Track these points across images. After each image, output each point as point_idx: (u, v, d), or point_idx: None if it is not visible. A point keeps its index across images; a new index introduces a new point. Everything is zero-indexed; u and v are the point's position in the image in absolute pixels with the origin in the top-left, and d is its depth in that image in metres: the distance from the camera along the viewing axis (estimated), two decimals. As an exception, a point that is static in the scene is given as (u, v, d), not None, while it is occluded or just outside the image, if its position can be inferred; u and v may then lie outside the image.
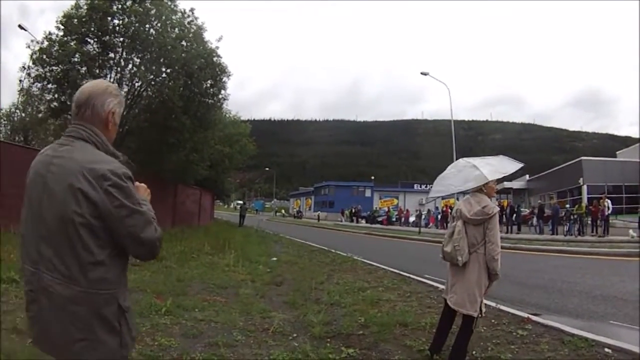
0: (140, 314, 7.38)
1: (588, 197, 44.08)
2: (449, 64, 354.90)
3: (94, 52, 19.76)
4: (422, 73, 44.02)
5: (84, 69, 19.29)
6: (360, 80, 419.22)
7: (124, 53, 20.59)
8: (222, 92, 24.32)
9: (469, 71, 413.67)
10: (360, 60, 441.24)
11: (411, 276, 13.09)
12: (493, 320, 7.94)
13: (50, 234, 2.37)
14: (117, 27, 20.00)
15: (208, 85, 22.89)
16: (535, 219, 38.74)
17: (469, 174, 6.05)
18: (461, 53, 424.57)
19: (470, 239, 5.67)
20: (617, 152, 61.58)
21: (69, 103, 19.50)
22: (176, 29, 21.34)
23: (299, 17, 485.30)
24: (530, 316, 8.18)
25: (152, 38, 20.02)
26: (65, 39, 19.10)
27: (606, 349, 6.34)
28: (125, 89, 21.33)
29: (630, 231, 26.90)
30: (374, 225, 58.12)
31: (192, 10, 22.27)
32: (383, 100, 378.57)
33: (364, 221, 66.96)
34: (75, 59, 19.09)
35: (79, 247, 2.31)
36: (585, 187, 48.96)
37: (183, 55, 20.50)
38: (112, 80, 20.48)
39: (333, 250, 19.59)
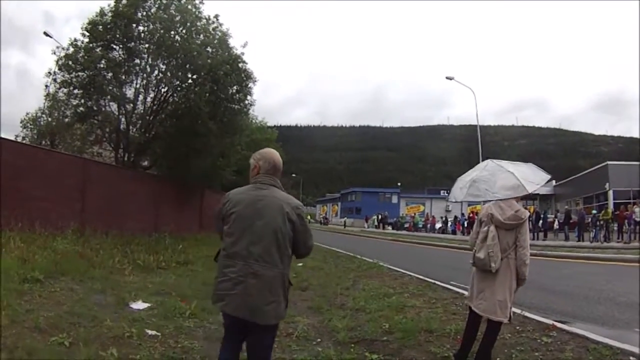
0: (164, 317, 7.49)
1: (614, 202, 43.57)
2: (474, 68, 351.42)
3: (120, 58, 19.96)
4: (447, 77, 43.90)
5: (110, 74, 19.52)
6: (385, 85, 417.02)
7: (150, 59, 20.76)
8: (248, 97, 24.25)
9: (494, 75, 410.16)
10: (385, 65, 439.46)
11: (437, 282, 12.90)
12: (518, 327, 7.80)
13: (260, 239, 3.87)
14: (143, 34, 20.23)
15: (234, 90, 22.81)
16: (557, 224, 38.52)
17: (507, 182, 5.82)
18: (486, 57, 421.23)
19: (502, 244, 5.55)
20: None
21: (95, 108, 19.78)
22: (201, 35, 21.44)
23: (324, 23, 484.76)
24: (555, 323, 8.02)
25: (177, 44, 20.12)
26: (91, 45, 19.32)
27: (631, 357, 6.20)
28: (152, 95, 21.62)
29: None
30: (400, 232, 58.05)
31: (216, 16, 22.36)
32: (409, 105, 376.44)
33: (390, 227, 66.82)
34: (101, 65, 19.27)
35: (282, 247, 3.91)
36: (611, 192, 48.10)
37: (209, 61, 20.56)
38: (138, 85, 20.96)
39: (359, 256, 19.48)
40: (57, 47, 19.92)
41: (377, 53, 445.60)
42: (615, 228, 32.39)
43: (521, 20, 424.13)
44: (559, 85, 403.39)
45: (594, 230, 32.90)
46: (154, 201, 21.13)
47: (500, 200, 5.73)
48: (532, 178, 5.96)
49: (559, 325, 7.93)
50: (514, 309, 6.49)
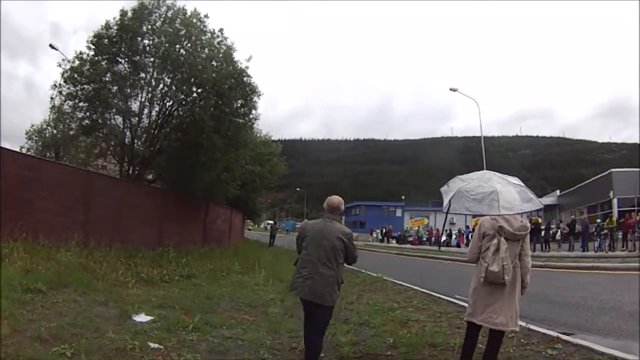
0: (167, 330, 7.48)
1: (619, 210, 43.37)
2: (478, 80, 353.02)
3: (125, 71, 20.08)
4: (451, 89, 43.84)
5: (115, 88, 19.61)
6: (390, 98, 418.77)
7: (155, 73, 20.82)
8: (253, 111, 24.38)
9: (498, 86, 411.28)
10: (389, 77, 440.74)
11: (441, 296, 12.89)
12: (522, 340, 7.84)
13: (325, 252, 6.03)
14: (148, 48, 20.32)
15: (239, 105, 22.91)
16: (560, 235, 38.50)
17: (525, 195, 6.11)
18: (490, 68, 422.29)
19: (511, 255, 5.62)
20: None
21: (100, 121, 19.81)
22: (206, 49, 21.49)
23: (330, 36, 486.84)
24: (560, 335, 8.04)
25: (182, 58, 20.19)
26: (96, 58, 19.39)
27: None
28: (157, 109, 21.62)
29: None
30: (404, 246, 57.97)
31: (221, 30, 22.46)
32: (413, 118, 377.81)
33: (394, 241, 66.64)
34: (107, 78, 19.37)
35: (337, 257, 6.06)
36: (615, 200, 47.83)
37: (213, 75, 20.52)
38: (143, 99, 21.01)
39: (363, 271, 19.40)
40: (63, 60, 19.99)
41: (382, 65, 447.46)
42: (620, 236, 32.17)
43: (526, 30, 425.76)
44: (563, 94, 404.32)
45: (599, 240, 32.69)
46: (158, 215, 21.12)
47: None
48: (532, 195, 6.25)
49: (563, 337, 7.93)
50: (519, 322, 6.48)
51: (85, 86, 19.17)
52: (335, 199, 6.52)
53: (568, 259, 26.97)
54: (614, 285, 15.48)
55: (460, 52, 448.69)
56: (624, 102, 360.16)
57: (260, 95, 24.14)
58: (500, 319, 5.57)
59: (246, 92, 22.81)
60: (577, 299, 12.95)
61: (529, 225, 5.84)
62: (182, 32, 20.63)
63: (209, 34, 21.96)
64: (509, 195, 5.98)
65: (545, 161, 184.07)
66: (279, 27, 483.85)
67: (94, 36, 19.57)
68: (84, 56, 19.44)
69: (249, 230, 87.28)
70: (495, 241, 5.66)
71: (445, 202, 6.65)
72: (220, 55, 21.88)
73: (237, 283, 14.30)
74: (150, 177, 24.46)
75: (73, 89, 19.29)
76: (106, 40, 19.50)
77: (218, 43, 22.23)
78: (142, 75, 20.79)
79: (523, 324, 8.19)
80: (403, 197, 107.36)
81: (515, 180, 6.49)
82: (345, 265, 6.47)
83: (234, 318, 9.13)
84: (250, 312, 10.09)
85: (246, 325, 8.63)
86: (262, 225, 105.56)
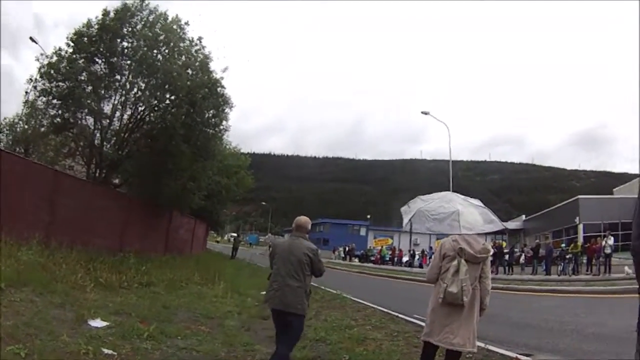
0: (122, 336, 7.44)
1: (584, 236, 44.39)
2: (450, 105, 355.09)
3: (101, 72, 19.95)
4: (422, 112, 44.29)
5: (90, 88, 19.42)
6: (362, 119, 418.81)
7: (130, 76, 20.68)
8: (224, 122, 24.35)
9: (471, 112, 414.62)
10: (361, 99, 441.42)
11: (400, 315, 12.86)
12: None
13: (293, 266, 6.59)
14: (126, 50, 20.21)
15: (210, 115, 22.87)
16: (524, 259, 39.13)
17: (486, 216, 6.31)
18: (463, 94, 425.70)
19: (470, 277, 5.68)
20: (614, 189, 61.92)
21: (71, 120, 19.58)
22: (183, 57, 21.42)
23: (305, 55, 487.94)
24: (519, 356, 8.18)
25: (159, 64, 20.13)
26: (74, 56, 19.28)
27: None
28: (129, 112, 21.53)
29: (626, 268, 26.78)
30: (366, 264, 58.40)
31: (200, 38, 22.44)
32: (383, 139, 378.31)
33: (357, 260, 66.91)
34: (82, 77, 19.24)
35: (304, 270, 6.62)
36: (581, 226, 49.14)
37: (188, 83, 20.44)
38: (116, 102, 20.89)
39: (323, 287, 19.37)
40: (41, 54, 19.85)
41: (355, 86, 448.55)
42: (585, 261, 33.12)
43: (499, 57, 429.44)
44: (535, 122, 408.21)
45: (562, 264, 33.59)
46: (122, 220, 20.85)
47: (467, 234, 5.93)
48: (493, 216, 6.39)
49: (522, 358, 8.09)
50: (477, 343, 6.54)
51: (61, 83, 19.00)
52: (302, 218, 7.22)
53: (531, 282, 27.56)
54: (577, 307, 15.74)
55: (433, 77, 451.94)
56: (595, 131, 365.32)
57: (232, 107, 24.34)
58: (458, 339, 5.61)
59: (219, 102, 22.86)
60: (539, 321, 13.15)
61: (490, 248, 5.92)
62: (162, 37, 20.65)
63: (187, 42, 21.98)
64: (470, 216, 6.17)
65: (512, 186, 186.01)
66: (256, 40, 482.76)
67: (75, 33, 19.47)
68: (63, 53, 19.31)
69: (218, 242, 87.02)
70: (455, 262, 5.71)
71: (405, 221, 6.90)
72: (197, 63, 21.86)
73: (195, 294, 14.25)
74: (116, 181, 24.14)
75: (48, 85, 19.09)
76: (86, 38, 19.42)
77: (195, 51, 22.23)
78: (118, 77, 20.67)
79: (482, 344, 8.32)
80: (368, 217, 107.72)
81: (476, 202, 6.71)
82: (314, 277, 7.07)
83: (189, 329, 9.10)
84: (207, 323, 10.07)
85: (202, 336, 8.61)
86: (225, 237, 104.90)
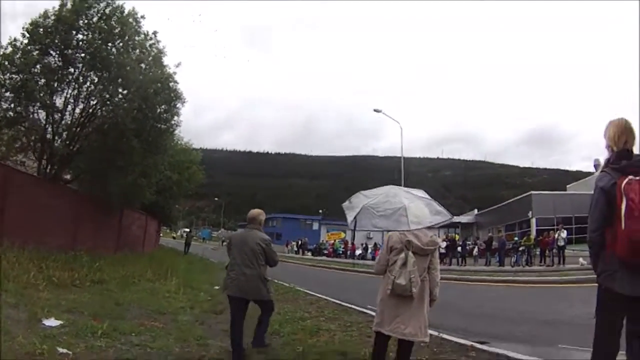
0: (76, 335, 7.39)
1: (537, 229, 45.50)
2: (404, 104, 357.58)
3: (55, 64, 19.40)
4: (375, 110, 44.47)
5: (43, 81, 18.90)
6: (316, 115, 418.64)
7: (84, 69, 20.14)
8: (175, 118, 24.07)
9: (424, 110, 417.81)
10: (315, 95, 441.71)
11: (353, 307, 13.09)
12: (435, 349, 7.96)
13: (247, 255, 7.34)
14: (81, 43, 19.67)
15: (162, 110, 22.61)
16: (477, 251, 39.83)
17: (432, 208, 6.21)
18: (417, 92, 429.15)
19: (419, 269, 5.66)
20: (568, 186, 63.75)
21: (23, 114, 19.09)
22: (137, 51, 21.18)
23: (260, 50, 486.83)
24: (474, 344, 8.25)
25: (112, 57, 19.70)
26: (29, 47, 18.76)
27: None
28: (81, 106, 21.01)
29: (580, 259, 27.54)
30: (319, 258, 58.87)
31: (155, 33, 22.14)
32: (337, 135, 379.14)
33: (310, 254, 67.33)
34: (36, 70, 18.73)
35: (258, 259, 7.37)
36: (534, 220, 50.46)
37: (140, 77, 20.25)
38: (68, 95, 20.34)
39: (276, 280, 19.35)
40: None
41: (308, 82, 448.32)
42: (538, 253, 34.24)
43: (452, 57, 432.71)
44: (488, 120, 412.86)
45: (515, 255, 34.77)
46: (73, 217, 20.43)
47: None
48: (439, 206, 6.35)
49: (478, 345, 8.15)
50: (431, 331, 6.65)
51: (14, 76, 18.44)
52: (255, 211, 7.91)
53: (484, 273, 28.33)
54: (531, 297, 16.14)
55: (388, 75, 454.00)
56: (548, 130, 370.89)
57: (184, 102, 24.01)
58: (409, 329, 5.63)
59: (171, 97, 22.62)
60: (494, 310, 13.50)
61: (438, 240, 6.00)
62: (117, 31, 20.17)
63: (142, 36, 21.65)
64: (417, 209, 6.07)
65: (465, 182, 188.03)
66: (211, 35, 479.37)
67: (30, 24, 18.92)
68: (17, 44, 18.75)
69: (174, 238, 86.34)
70: (402, 255, 5.69)
71: (350, 218, 6.65)
72: (150, 58, 21.65)
73: (148, 290, 14.23)
74: (68, 177, 23.69)
75: (1, 76, 18.47)
76: (41, 29, 18.84)
77: (150, 46, 21.97)
78: (71, 70, 20.05)
79: (435, 333, 8.34)
80: (320, 211, 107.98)
81: (421, 193, 6.64)
82: (269, 268, 7.74)
83: (143, 325, 9.07)
84: (160, 319, 10.07)
85: (155, 332, 8.60)
86: (178, 233, 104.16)
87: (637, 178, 4.09)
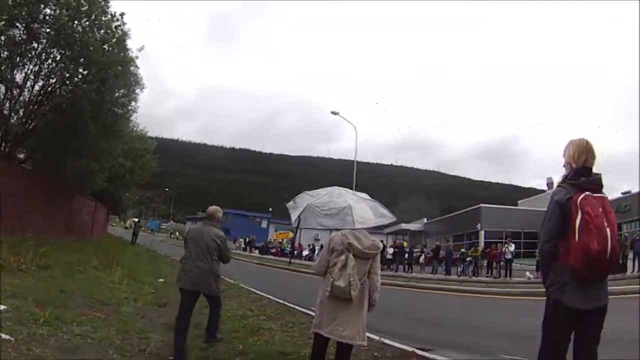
0: (18, 321, 7.30)
1: (485, 241, 46.66)
2: (361, 108, 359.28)
3: (19, 38, 18.72)
4: (332, 112, 44.93)
5: (6, 53, 18.37)
6: (274, 113, 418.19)
7: (47, 46, 19.54)
8: (133, 103, 23.98)
9: (381, 117, 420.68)
10: (273, 92, 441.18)
11: (295, 307, 13.19)
12: (376, 354, 8.02)
13: (202, 250, 7.75)
14: (47, 17, 18.92)
15: (120, 94, 22.41)
16: (424, 259, 40.37)
17: (377, 210, 6.31)
18: (374, 97, 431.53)
19: (359, 272, 5.62)
20: (519, 201, 65.44)
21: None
22: (102, 31, 20.45)
23: (222, 44, 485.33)
24: (416, 350, 8.24)
25: (77, 35, 19.14)
26: (-4, 18, 18.09)
27: None
28: (40, 84, 20.50)
29: (527, 273, 28.48)
30: (266, 256, 59.00)
31: (122, 14, 21.39)
32: (293, 134, 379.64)
33: (257, 251, 67.45)
34: (0, 41, 18.22)
35: (212, 254, 7.83)
36: (482, 232, 51.41)
37: (103, 59, 19.71)
38: (29, 71, 19.81)
39: (221, 277, 19.47)
40: None
41: (267, 79, 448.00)
42: (485, 264, 35.08)
43: (411, 64, 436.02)
44: (444, 132, 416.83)
45: (463, 265, 35.60)
46: (24, 199, 19.94)
47: (354, 229, 5.90)
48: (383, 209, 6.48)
49: (419, 352, 8.16)
50: (371, 336, 6.68)
51: None
52: (213, 208, 8.44)
53: (431, 281, 28.47)
54: (476, 307, 16.28)
55: (344, 80, 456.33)
56: (502, 146, 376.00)
57: (143, 88, 23.94)
58: (347, 332, 5.59)
59: (130, 82, 22.47)
60: (438, 318, 13.64)
61: (380, 245, 5.92)
62: (84, 8, 19.48)
63: (109, 16, 20.91)
64: (362, 210, 6.16)
65: (417, 191, 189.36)
66: (175, 22, 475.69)
67: None
68: None
69: (126, 228, 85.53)
70: (343, 257, 5.65)
71: (294, 217, 6.80)
72: (114, 40, 20.96)
73: (93, 279, 14.03)
74: (22, 156, 22.99)
75: None
76: (10, 0, 18.18)
77: (115, 27, 21.17)
78: (35, 45, 19.38)
79: (376, 337, 8.56)
80: (270, 209, 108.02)
81: (365, 195, 6.76)
82: (222, 263, 8.30)
83: (85, 315, 8.98)
84: (103, 309, 9.98)
85: (97, 323, 8.53)
86: (128, 223, 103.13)
87: (595, 195, 4.27)
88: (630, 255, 26.14)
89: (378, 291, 5.83)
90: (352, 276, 5.50)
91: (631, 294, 15.76)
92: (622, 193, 43.35)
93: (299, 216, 6.75)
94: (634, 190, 43.16)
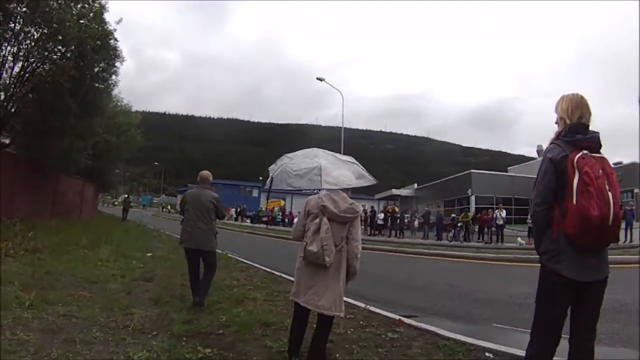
0: (4, 307, 7.30)
1: (476, 207, 47.41)
2: (350, 75, 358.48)
3: None
4: (318, 79, 44.64)
5: None
6: (261, 81, 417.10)
7: (24, 25, 19.11)
8: (114, 77, 23.93)
9: (369, 83, 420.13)
10: (260, 60, 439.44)
11: (283, 275, 13.17)
12: (361, 322, 7.97)
13: (201, 211, 8.95)
14: None
15: (100, 68, 22.24)
16: (417, 224, 40.54)
17: (357, 172, 6.02)
18: (362, 65, 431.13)
19: (335, 237, 5.38)
20: (509, 168, 66.34)
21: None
22: (79, 5, 20.19)
23: (207, 12, 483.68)
24: (402, 318, 8.18)
25: (54, 12, 18.57)
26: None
27: (487, 354, 6.38)
28: (19, 65, 20.27)
29: (519, 239, 28.70)
30: (257, 225, 59.07)
31: None
32: (280, 103, 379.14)
33: (248, 220, 68.02)
34: None
35: (210, 215, 9.07)
36: (473, 198, 52.27)
37: (79, 34, 19.40)
38: (7, 53, 19.63)
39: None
40: None
41: (253, 46, 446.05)
42: (476, 230, 35.53)
43: (399, 31, 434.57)
44: (434, 97, 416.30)
45: (453, 231, 35.91)
46: (9, 183, 19.97)
47: (330, 192, 5.61)
48: (362, 170, 6.23)
49: (406, 320, 8.11)
50: (357, 303, 6.71)
51: None
52: (205, 172, 9.52)
53: (421, 246, 28.52)
54: (466, 272, 16.36)
55: (334, 45, 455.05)
56: (493, 112, 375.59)
57: (123, 61, 23.70)
58: (323, 302, 5.37)
59: (109, 56, 22.29)
60: (427, 284, 13.62)
61: (358, 209, 5.58)
62: None
63: None
64: (336, 171, 5.84)
65: (407, 157, 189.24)
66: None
67: None
68: None
69: (114, 205, 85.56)
70: (317, 220, 5.44)
71: (269, 179, 6.62)
72: (91, 14, 20.71)
73: (81, 258, 14.00)
74: (6, 141, 22.63)
75: None
76: None
77: (92, 1, 20.95)
78: (12, 25, 19.02)
79: (362, 305, 8.65)
80: (261, 178, 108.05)
81: (348, 158, 6.46)
82: (218, 220, 9.41)
83: (71, 295, 9.00)
84: (90, 288, 9.99)
85: (82, 302, 8.52)
86: (119, 199, 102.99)
87: (593, 154, 3.92)
88: (623, 225, 25.92)
89: (358, 259, 5.56)
90: (325, 240, 5.28)
91: (623, 264, 16.02)
92: (614, 164, 43.42)
93: (271, 177, 6.58)
94: (625, 161, 43.59)
